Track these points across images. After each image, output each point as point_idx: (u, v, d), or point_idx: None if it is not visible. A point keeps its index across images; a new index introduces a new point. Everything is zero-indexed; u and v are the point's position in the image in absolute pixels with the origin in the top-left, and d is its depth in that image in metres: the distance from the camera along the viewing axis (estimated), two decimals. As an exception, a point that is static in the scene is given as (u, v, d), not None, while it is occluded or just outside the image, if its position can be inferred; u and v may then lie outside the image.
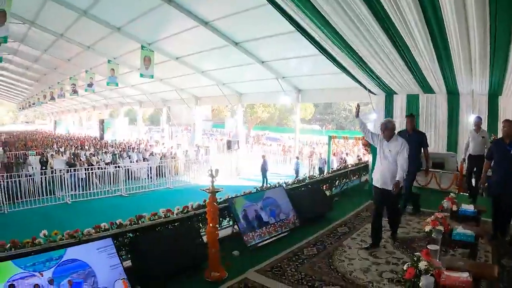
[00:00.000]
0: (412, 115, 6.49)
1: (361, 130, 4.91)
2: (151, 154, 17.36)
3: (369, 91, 9.79)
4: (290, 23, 6.29)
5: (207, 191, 4.00)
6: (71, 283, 3.15)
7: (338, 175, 8.42)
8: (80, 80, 20.41)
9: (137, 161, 15.10)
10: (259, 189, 6.01)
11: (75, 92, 20.81)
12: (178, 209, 4.80)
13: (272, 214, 5.44)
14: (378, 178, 4.64)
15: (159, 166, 14.41)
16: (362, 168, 9.52)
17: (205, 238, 4.34)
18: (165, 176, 14.46)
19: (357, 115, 4.81)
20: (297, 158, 15.20)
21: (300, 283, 3.77)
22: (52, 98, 26.27)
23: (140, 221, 4.31)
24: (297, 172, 14.18)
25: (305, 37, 6.65)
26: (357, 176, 9.23)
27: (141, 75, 13.17)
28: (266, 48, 11.77)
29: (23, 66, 23.93)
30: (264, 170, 14.07)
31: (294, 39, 9.46)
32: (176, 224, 4.63)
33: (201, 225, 4.82)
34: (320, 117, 44.04)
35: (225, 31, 11.16)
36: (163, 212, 4.61)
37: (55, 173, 11.98)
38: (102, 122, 28.23)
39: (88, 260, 3.38)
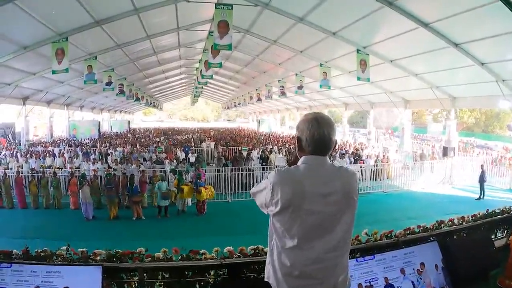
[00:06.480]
0: None
1: None
2: (368, 156, 17.24)
3: None
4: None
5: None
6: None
7: None
8: (288, 82, 21.55)
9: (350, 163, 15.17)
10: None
11: (283, 94, 21.84)
12: (468, 217, 5.10)
13: None
14: None
15: (373, 169, 14.12)
16: None
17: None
18: (379, 180, 14.10)
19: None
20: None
21: None
22: (259, 100, 28.70)
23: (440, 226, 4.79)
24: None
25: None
26: None
27: (358, 79, 13.08)
28: (486, 49, 10.80)
29: (233, 70, 26.51)
30: (482, 181, 13.15)
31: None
32: (466, 231, 4.92)
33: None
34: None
35: (446, 32, 10.48)
36: (457, 219, 4.98)
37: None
38: (307, 122, 29.28)
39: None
